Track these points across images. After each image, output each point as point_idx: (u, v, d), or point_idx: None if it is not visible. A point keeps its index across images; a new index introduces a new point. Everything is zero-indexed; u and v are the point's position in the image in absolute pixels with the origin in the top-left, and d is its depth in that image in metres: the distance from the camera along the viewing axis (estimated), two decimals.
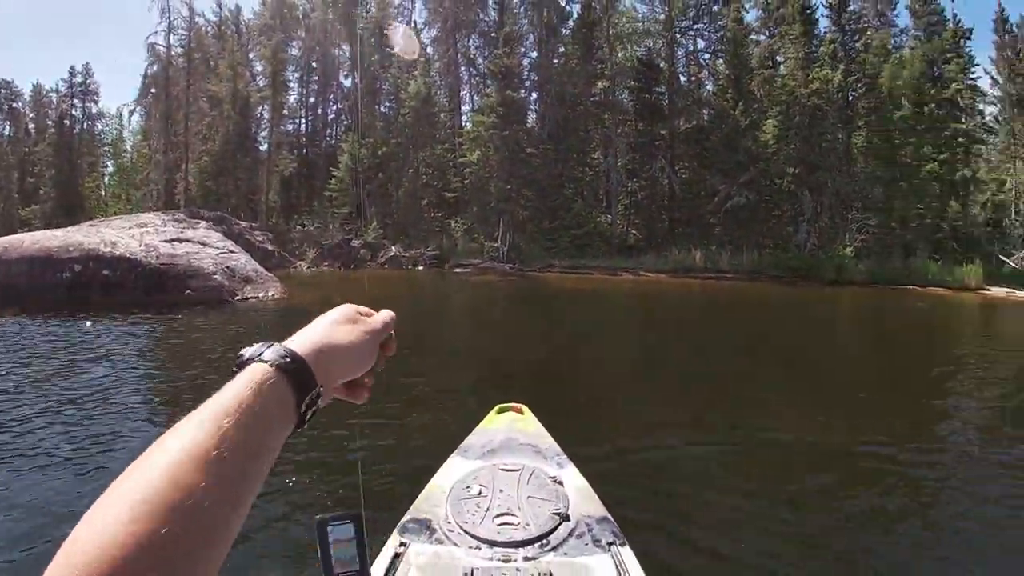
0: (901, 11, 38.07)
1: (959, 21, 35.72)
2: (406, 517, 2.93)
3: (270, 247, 23.19)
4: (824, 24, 36.03)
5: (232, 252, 18.06)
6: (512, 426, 3.97)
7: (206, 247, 17.61)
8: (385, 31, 35.73)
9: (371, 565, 1.99)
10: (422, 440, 7.18)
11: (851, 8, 36.22)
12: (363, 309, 0.87)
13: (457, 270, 27.55)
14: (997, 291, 28.77)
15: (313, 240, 24.94)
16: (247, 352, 0.69)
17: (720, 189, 33.41)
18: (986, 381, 11.49)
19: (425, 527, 2.84)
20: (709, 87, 39.35)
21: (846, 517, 5.26)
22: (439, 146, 36.27)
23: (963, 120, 35.03)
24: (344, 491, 5.63)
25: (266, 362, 0.66)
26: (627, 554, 2.73)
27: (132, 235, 16.83)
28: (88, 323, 11.61)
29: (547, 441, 3.78)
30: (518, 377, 10.18)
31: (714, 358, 12.31)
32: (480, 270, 28.05)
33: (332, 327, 0.79)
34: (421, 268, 26.79)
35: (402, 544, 2.71)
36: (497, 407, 4.20)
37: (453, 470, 3.41)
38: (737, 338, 15.59)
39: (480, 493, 3.08)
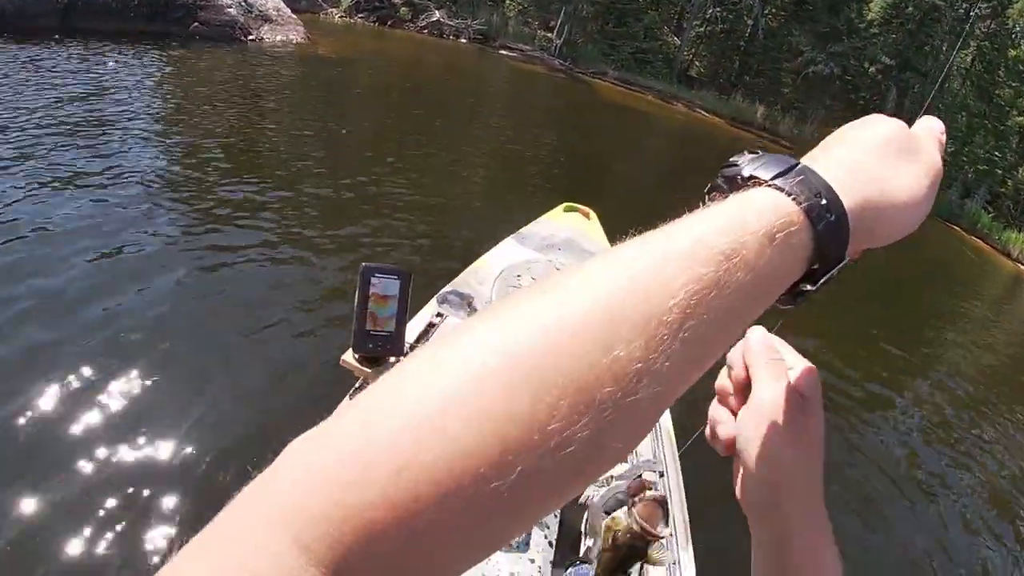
0: None
1: None
2: (448, 287, 2.81)
3: None
4: None
5: None
6: (576, 227, 3.79)
7: None
8: None
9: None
10: (476, 215, 7.41)
11: None
12: (915, 131, 0.50)
13: (503, 52, 25.32)
14: None
15: None
16: (747, 165, 0.44)
17: (806, 50, 30.40)
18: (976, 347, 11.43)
19: (466, 303, 2.71)
20: None
21: None
22: None
23: None
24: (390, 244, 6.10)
25: (789, 196, 0.41)
26: None
27: None
28: (111, 62, 10.07)
29: None
30: (577, 183, 10.22)
31: None
32: (527, 58, 25.73)
33: (886, 160, 0.46)
34: (464, 41, 24.42)
35: (439, 315, 2.59)
36: (564, 204, 4.04)
37: (507, 253, 3.27)
38: None
39: None
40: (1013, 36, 30.94)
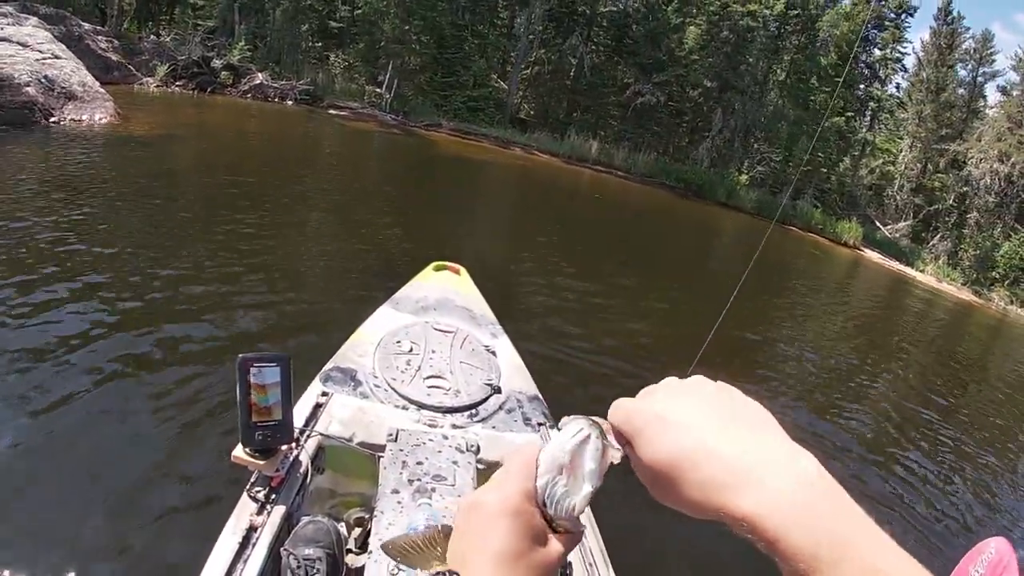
0: None
1: None
2: (330, 365, 2.79)
3: (115, 57, 18.63)
4: None
5: (58, 58, 14.06)
6: (447, 286, 3.83)
7: (26, 49, 13.60)
8: None
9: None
10: (348, 285, 7.24)
11: None
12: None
13: (332, 112, 24.25)
14: (871, 254, 30.30)
15: (167, 54, 20.28)
16: None
17: (631, 83, 31.44)
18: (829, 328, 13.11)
19: (350, 378, 2.71)
20: None
21: None
22: None
23: (876, 87, 36.63)
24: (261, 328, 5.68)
25: None
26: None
27: None
28: None
29: (482, 307, 3.70)
30: (437, 240, 10.10)
31: (632, 255, 14.18)
32: (358, 116, 24.79)
33: None
34: (290, 103, 23.13)
35: (324, 394, 2.58)
36: (434, 264, 4.07)
37: (383, 321, 3.26)
38: (639, 238, 17.01)
39: (411, 350, 2.95)
40: (822, 45, 33.84)
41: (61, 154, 10.59)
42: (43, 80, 13.01)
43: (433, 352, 2.98)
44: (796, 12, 32.75)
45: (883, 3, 35.55)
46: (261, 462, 2.04)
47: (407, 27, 28.16)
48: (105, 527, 3.22)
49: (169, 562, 3.03)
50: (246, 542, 1.90)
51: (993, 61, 35.82)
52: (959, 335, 19.03)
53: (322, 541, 1.96)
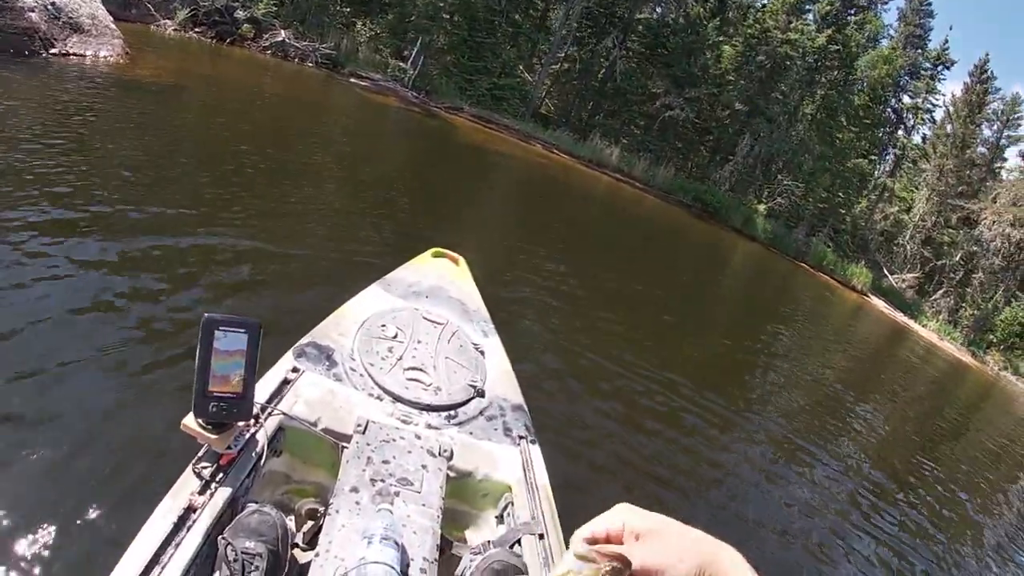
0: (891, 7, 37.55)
1: (947, 47, 36.63)
2: (305, 339, 2.60)
3: None
4: None
5: None
6: (443, 274, 3.63)
7: None
8: None
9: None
10: (339, 258, 6.87)
11: None
12: None
13: (353, 80, 23.37)
14: (877, 301, 30.39)
15: None
16: None
17: (660, 94, 30.68)
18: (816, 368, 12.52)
19: (325, 357, 2.52)
20: None
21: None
22: None
23: (902, 134, 37.33)
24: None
25: None
26: (535, 452, 2.51)
27: None
28: None
29: (477, 302, 3.49)
30: (442, 227, 9.75)
31: (643, 270, 14.18)
32: (379, 88, 23.84)
33: None
34: (310, 65, 22.23)
35: (295, 370, 2.38)
36: (432, 250, 3.88)
37: (371, 301, 3.07)
38: (655, 251, 17.34)
39: (395, 336, 2.77)
40: (857, 84, 33.41)
41: (54, 87, 9.65)
42: (49, 7, 12.07)
43: (419, 342, 2.81)
44: (836, 48, 32.22)
45: (920, 52, 35.25)
46: (212, 436, 1.83)
47: (440, 4, 27.22)
48: (29, 488, 2.84)
49: (91, 534, 2.67)
50: (181, 524, 1.71)
51: (1019, 125, 35.74)
52: (950, 393, 19.02)
53: (266, 535, 1.76)
